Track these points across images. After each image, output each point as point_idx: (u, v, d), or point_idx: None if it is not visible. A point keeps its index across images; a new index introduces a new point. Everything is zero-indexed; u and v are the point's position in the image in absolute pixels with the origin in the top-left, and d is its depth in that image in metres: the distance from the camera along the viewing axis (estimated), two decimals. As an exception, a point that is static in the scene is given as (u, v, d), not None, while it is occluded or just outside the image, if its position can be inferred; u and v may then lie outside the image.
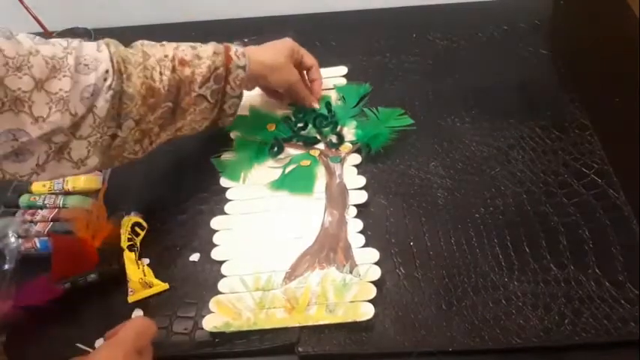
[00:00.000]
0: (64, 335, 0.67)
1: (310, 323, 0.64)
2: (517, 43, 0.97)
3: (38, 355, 0.66)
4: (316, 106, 0.87)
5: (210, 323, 0.65)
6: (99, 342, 0.66)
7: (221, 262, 0.71)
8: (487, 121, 0.85)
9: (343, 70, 0.95)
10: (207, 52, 0.73)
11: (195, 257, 0.73)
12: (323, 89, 0.91)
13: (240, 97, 0.78)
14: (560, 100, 0.86)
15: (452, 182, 0.77)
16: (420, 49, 0.99)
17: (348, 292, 0.66)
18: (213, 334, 0.65)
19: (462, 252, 0.70)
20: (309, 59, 0.86)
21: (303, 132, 0.85)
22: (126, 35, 1.09)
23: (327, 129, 0.85)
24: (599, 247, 0.68)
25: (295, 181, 0.79)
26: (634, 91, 0.86)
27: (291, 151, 0.83)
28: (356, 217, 0.74)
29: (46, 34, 0.92)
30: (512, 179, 0.77)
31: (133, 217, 0.75)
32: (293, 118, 0.86)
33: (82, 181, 0.80)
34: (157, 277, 0.71)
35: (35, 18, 0.89)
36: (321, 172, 0.80)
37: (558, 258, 0.68)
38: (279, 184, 0.79)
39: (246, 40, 1.04)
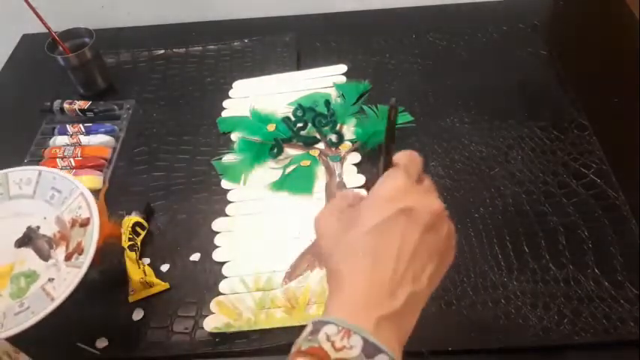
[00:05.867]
0: (64, 335, 0.67)
1: (310, 323, 0.64)
2: (516, 43, 0.97)
3: (38, 356, 0.66)
4: None
5: (211, 324, 0.66)
6: (99, 342, 0.66)
7: (222, 263, 0.71)
8: (486, 122, 0.85)
9: (343, 68, 0.95)
10: None
11: (195, 257, 0.73)
12: (322, 88, 0.91)
13: None
14: (560, 101, 0.86)
15: (451, 182, 0.78)
16: (420, 49, 0.99)
17: (348, 292, 0.66)
18: (213, 334, 0.65)
19: (461, 252, 0.70)
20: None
21: (302, 132, 0.85)
22: (126, 35, 1.10)
23: (326, 128, 0.85)
24: (598, 247, 0.68)
25: (295, 182, 0.79)
26: (633, 91, 0.86)
27: (291, 151, 0.84)
28: (356, 216, 0.74)
29: (51, 35, 0.92)
30: (511, 179, 0.77)
31: (134, 217, 0.75)
32: (293, 118, 0.86)
33: (83, 181, 0.80)
34: (157, 276, 0.71)
35: (40, 19, 0.89)
36: (321, 172, 0.80)
37: (557, 258, 0.68)
38: (280, 185, 0.79)
39: (246, 40, 1.04)
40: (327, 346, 0.40)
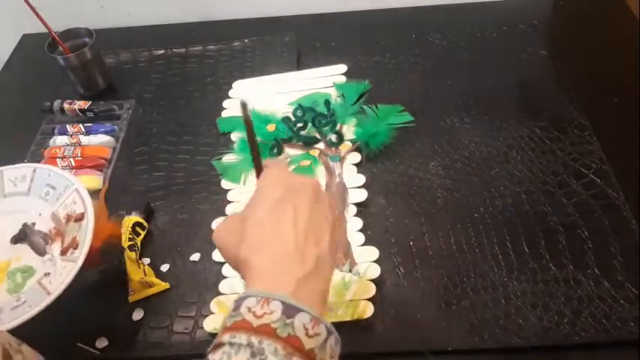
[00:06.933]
0: (64, 335, 0.67)
1: (310, 323, 0.64)
2: (516, 43, 0.97)
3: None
4: None
5: (212, 324, 0.66)
6: (99, 342, 0.66)
7: (222, 263, 0.71)
8: (486, 121, 0.85)
9: (343, 68, 0.95)
10: None
11: (195, 257, 0.73)
12: (322, 88, 0.92)
13: None
14: (560, 101, 0.86)
15: (451, 182, 0.78)
16: (420, 49, 0.99)
17: (348, 291, 0.66)
18: (213, 334, 0.65)
19: (461, 252, 0.70)
20: None
21: (302, 132, 0.85)
22: (126, 35, 1.10)
23: (326, 128, 0.85)
24: (598, 247, 0.68)
25: (295, 181, 0.79)
26: (633, 91, 0.86)
27: (291, 151, 0.84)
28: (355, 215, 0.74)
29: (51, 35, 0.92)
30: (511, 179, 0.77)
31: (134, 217, 0.75)
32: (293, 118, 0.86)
33: (83, 182, 0.80)
34: (157, 276, 0.71)
35: (40, 19, 0.89)
36: (320, 172, 0.80)
37: (557, 258, 0.68)
38: (279, 184, 0.79)
39: (246, 40, 1.04)
40: (249, 317, 0.42)
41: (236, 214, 0.52)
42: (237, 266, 0.50)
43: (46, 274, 0.65)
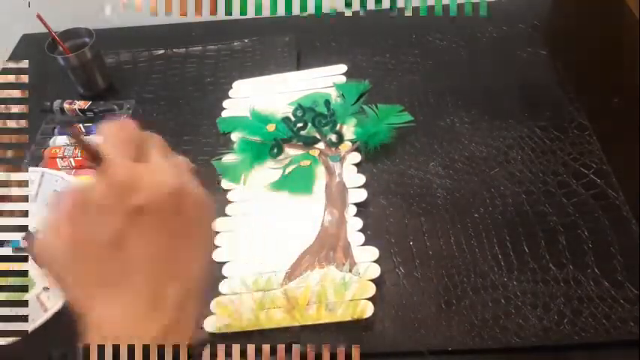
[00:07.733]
0: (64, 335, 0.67)
1: (310, 323, 0.65)
2: (516, 43, 0.97)
3: (38, 356, 0.66)
4: None
5: (212, 324, 0.66)
6: (99, 341, 0.66)
7: (222, 263, 0.71)
8: (486, 122, 0.85)
9: (343, 68, 0.95)
10: None
11: (195, 257, 0.73)
12: (322, 88, 0.91)
13: None
14: (560, 101, 0.86)
15: (451, 182, 0.78)
16: (420, 49, 0.99)
17: (348, 291, 0.66)
18: (213, 334, 0.65)
19: (461, 251, 0.70)
20: None
21: (302, 132, 0.85)
22: (126, 35, 1.10)
23: (326, 128, 0.85)
24: (598, 247, 0.68)
25: (295, 182, 0.79)
26: (633, 91, 0.86)
27: (290, 151, 0.84)
28: (355, 215, 0.74)
29: (51, 35, 0.92)
30: (511, 179, 0.77)
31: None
32: (293, 118, 0.86)
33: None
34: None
35: (40, 19, 0.89)
36: (320, 172, 0.80)
37: (557, 258, 0.68)
38: (280, 184, 0.79)
39: (246, 40, 1.04)
40: None
41: (58, 230, 0.38)
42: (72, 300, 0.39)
43: (45, 289, 0.64)
